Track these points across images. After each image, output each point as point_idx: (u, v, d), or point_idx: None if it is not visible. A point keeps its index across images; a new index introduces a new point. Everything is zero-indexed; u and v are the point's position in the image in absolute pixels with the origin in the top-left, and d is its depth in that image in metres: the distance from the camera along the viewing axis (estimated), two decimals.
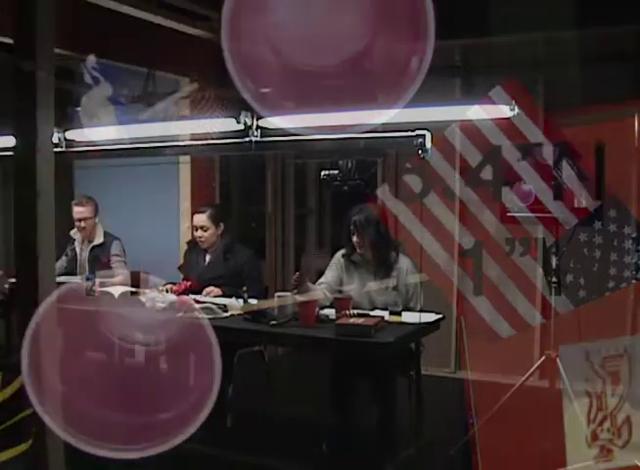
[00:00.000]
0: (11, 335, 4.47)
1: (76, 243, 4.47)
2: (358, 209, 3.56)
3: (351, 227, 3.54)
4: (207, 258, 4.15)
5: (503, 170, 4.15)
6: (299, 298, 3.31)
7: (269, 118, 3.10)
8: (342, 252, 3.67)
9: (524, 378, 3.49)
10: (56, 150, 2.52)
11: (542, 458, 3.21)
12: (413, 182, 4.95)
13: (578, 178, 3.85)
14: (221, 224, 4.12)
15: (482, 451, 3.24)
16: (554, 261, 3.54)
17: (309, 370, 4.79)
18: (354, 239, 3.54)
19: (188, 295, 3.79)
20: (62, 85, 2.71)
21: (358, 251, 3.58)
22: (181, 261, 4.44)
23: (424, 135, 2.74)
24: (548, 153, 4.38)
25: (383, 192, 5.22)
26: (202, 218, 4.09)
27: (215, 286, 3.96)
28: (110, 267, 4.36)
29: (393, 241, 3.78)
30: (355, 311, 3.26)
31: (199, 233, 4.09)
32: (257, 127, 3.10)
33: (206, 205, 4.34)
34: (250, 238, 5.28)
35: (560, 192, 3.88)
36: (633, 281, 4.39)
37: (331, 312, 3.35)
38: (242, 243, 4.27)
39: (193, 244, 4.27)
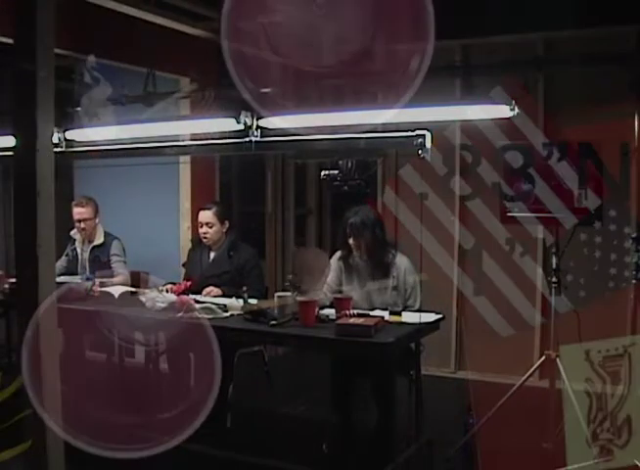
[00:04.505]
0: (11, 335, 4.47)
1: (77, 243, 4.47)
2: (354, 211, 3.55)
3: (348, 230, 3.54)
4: (212, 255, 4.16)
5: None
6: (299, 298, 3.31)
7: (269, 118, 3.10)
8: (339, 254, 3.67)
9: (524, 378, 3.49)
10: (56, 150, 2.52)
11: (542, 458, 3.22)
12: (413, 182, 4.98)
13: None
14: (226, 222, 4.14)
15: (482, 451, 3.24)
16: (554, 261, 3.54)
17: (309, 370, 4.80)
18: (351, 242, 3.54)
19: (188, 295, 3.79)
20: (62, 85, 2.71)
21: (355, 253, 3.58)
22: (184, 260, 4.45)
23: (424, 135, 2.74)
24: (550, 153, 4.39)
25: (382, 192, 5.23)
26: (207, 215, 4.10)
27: (218, 283, 3.96)
28: (110, 267, 4.36)
29: (391, 242, 3.77)
30: (355, 311, 3.25)
31: (204, 230, 4.10)
32: (257, 127, 3.09)
33: (212, 202, 4.36)
34: (250, 238, 5.28)
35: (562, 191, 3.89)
36: (633, 281, 4.39)
37: (331, 312, 3.34)
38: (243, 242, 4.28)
39: (197, 241, 4.28)
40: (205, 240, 4.13)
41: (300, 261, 3.68)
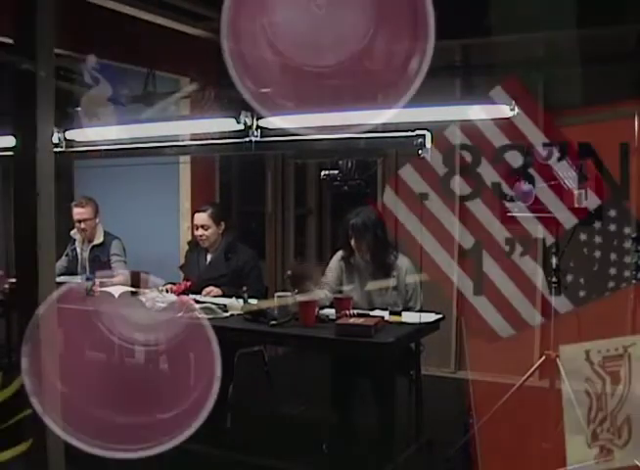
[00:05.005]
0: (11, 335, 4.47)
1: (77, 243, 4.47)
2: (356, 212, 3.55)
3: (349, 231, 3.54)
4: (209, 257, 4.15)
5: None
6: (300, 298, 3.31)
7: (269, 118, 3.10)
8: (341, 254, 3.67)
9: (524, 378, 3.49)
10: (56, 150, 2.52)
11: (542, 458, 3.21)
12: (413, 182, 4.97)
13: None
14: (222, 223, 4.12)
15: (482, 451, 3.24)
16: (554, 261, 3.54)
17: (309, 370, 4.79)
18: (353, 243, 3.54)
19: (188, 295, 3.79)
20: (62, 85, 2.71)
21: (357, 254, 3.58)
22: (182, 261, 4.44)
23: (424, 135, 2.74)
24: (550, 153, 4.38)
25: (382, 192, 5.23)
26: (203, 217, 4.09)
27: (216, 285, 3.95)
28: (110, 267, 4.35)
29: (392, 243, 3.77)
30: (355, 311, 3.26)
31: (199, 232, 4.09)
32: (257, 127, 3.09)
33: (207, 204, 4.34)
34: (249, 238, 5.28)
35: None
36: (633, 281, 4.39)
37: (331, 312, 3.35)
38: (242, 243, 4.27)
39: (194, 244, 4.27)
40: (201, 242, 4.11)
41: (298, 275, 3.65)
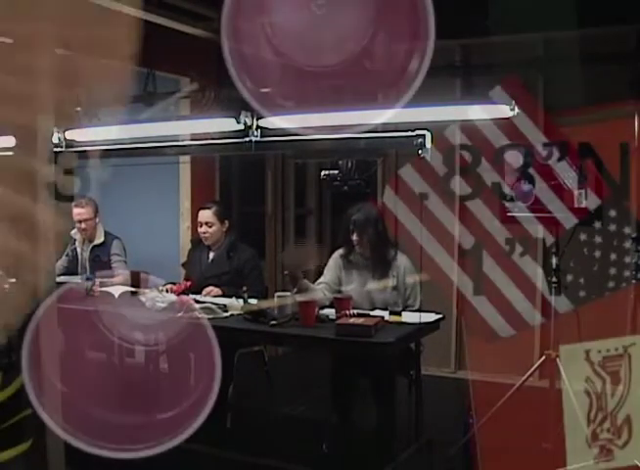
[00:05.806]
0: (11, 335, 4.47)
1: (77, 243, 4.47)
2: (357, 208, 3.57)
3: (350, 226, 3.55)
4: (211, 255, 4.16)
5: None
6: (299, 298, 3.31)
7: (269, 118, 3.10)
8: (340, 252, 3.67)
9: (524, 378, 3.49)
10: (56, 150, 2.52)
11: (542, 458, 3.22)
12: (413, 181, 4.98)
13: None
14: (226, 221, 4.13)
15: (482, 451, 3.24)
16: (554, 261, 3.54)
17: (309, 370, 4.80)
18: (353, 237, 3.55)
19: (188, 295, 3.79)
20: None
21: (357, 249, 3.58)
22: (184, 259, 4.44)
23: (424, 135, 2.74)
24: (550, 153, 4.38)
25: (382, 192, 5.23)
26: (207, 214, 4.10)
27: (218, 284, 3.96)
28: (110, 267, 4.36)
29: (392, 240, 3.78)
30: (355, 311, 3.25)
31: (203, 229, 4.10)
32: (257, 127, 3.09)
33: (212, 201, 4.36)
34: (249, 238, 5.28)
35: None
36: (633, 281, 4.39)
37: (331, 312, 3.34)
38: (242, 243, 4.28)
39: (197, 241, 4.27)
40: (204, 239, 4.12)
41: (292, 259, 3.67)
